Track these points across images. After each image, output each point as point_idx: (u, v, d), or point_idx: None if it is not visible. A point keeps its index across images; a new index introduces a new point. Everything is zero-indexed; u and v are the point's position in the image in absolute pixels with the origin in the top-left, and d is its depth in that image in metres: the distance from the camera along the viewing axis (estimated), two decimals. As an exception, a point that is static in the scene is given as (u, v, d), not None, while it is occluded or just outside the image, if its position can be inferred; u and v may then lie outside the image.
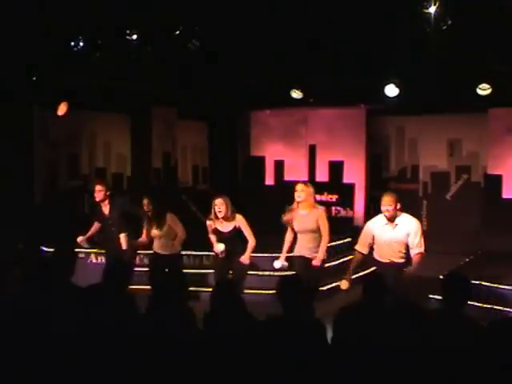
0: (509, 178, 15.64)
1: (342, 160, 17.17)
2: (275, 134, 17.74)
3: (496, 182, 15.80)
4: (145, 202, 10.72)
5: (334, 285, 12.06)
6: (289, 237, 10.09)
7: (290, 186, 17.03)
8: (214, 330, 6.05)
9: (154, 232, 10.77)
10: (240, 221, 10.29)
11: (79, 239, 11.01)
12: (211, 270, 11.19)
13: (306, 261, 9.78)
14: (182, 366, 5.44)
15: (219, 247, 10.24)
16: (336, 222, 10.88)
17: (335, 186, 17.21)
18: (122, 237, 10.80)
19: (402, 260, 9.20)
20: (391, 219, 9.18)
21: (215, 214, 10.19)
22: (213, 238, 10.39)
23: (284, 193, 16.99)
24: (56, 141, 14.24)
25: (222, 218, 10.20)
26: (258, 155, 18.00)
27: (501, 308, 10.34)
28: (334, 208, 16.95)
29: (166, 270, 9.50)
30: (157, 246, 10.93)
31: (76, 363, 5.54)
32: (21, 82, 12.36)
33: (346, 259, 13.96)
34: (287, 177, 17.61)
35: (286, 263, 10.06)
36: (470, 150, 16.74)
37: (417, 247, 9.09)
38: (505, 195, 15.70)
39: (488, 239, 14.80)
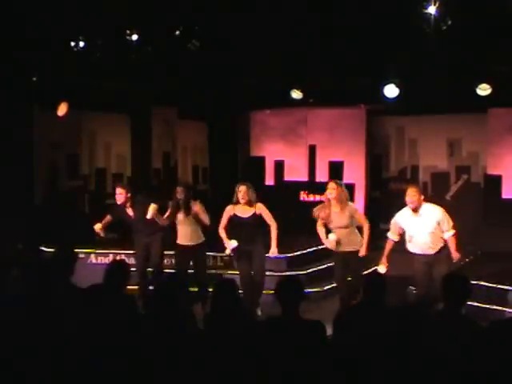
0: (509, 178, 15.63)
1: (341, 160, 17.14)
2: (275, 134, 17.72)
3: (496, 182, 15.79)
4: (178, 189, 10.76)
5: (334, 285, 12.09)
6: (321, 230, 10.49)
7: (290, 186, 17.22)
8: (215, 330, 6.05)
9: (180, 218, 10.82)
10: (260, 208, 10.49)
11: (96, 227, 10.96)
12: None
13: (345, 254, 10.26)
14: (182, 365, 5.44)
15: (232, 243, 10.41)
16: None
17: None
18: (152, 207, 10.70)
19: (435, 251, 9.75)
20: (415, 210, 9.71)
21: (237, 199, 10.42)
22: (223, 234, 10.53)
23: (284, 193, 17.10)
24: (56, 141, 14.23)
25: (245, 203, 10.40)
26: (258, 155, 17.97)
27: (501, 308, 10.33)
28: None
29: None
30: (183, 236, 10.94)
31: (76, 363, 5.55)
32: (21, 82, 12.36)
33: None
34: (287, 177, 17.60)
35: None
36: (469, 150, 16.72)
37: (449, 230, 9.72)
38: (504, 195, 15.68)
39: (488, 239, 14.78)
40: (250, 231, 10.45)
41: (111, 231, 11.57)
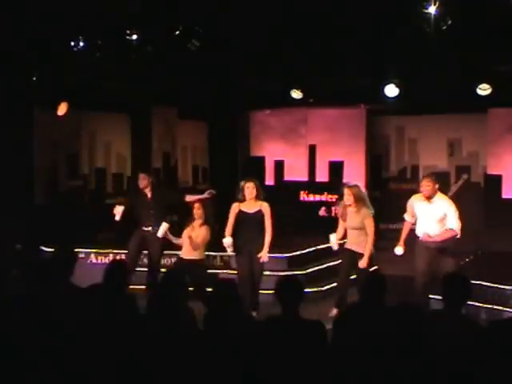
0: (509, 178, 15.63)
1: (341, 160, 17.14)
2: (275, 133, 17.71)
3: (496, 181, 15.79)
4: (196, 205, 10.71)
5: (333, 285, 12.09)
6: (340, 229, 10.76)
7: (290, 186, 17.21)
8: (214, 331, 6.05)
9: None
10: (266, 208, 10.43)
11: (117, 209, 11.15)
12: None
13: (353, 254, 10.46)
14: (182, 365, 5.44)
15: (227, 240, 10.34)
16: (336, 222, 10.88)
17: (335, 186, 17.17)
18: (164, 226, 10.89)
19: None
20: (429, 198, 10.18)
21: (243, 196, 10.39)
22: (229, 229, 10.44)
23: (284, 192, 17.08)
24: (56, 141, 14.22)
25: (251, 199, 10.37)
26: (258, 155, 17.97)
27: (501, 308, 10.33)
28: (334, 208, 16.89)
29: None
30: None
31: (76, 363, 5.55)
32: (21, 82, 12.36)
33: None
34: (287, 177, 17.59)
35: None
36: (469, 149, 16.73)
37: (450, 224, 10.14)
38: (505, 195, 15.68)
39: (488, 239, 14.77)
40: (253, 228, 10.40)
41: (109, 231, 11.57)
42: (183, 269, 10.08)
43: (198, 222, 10.58)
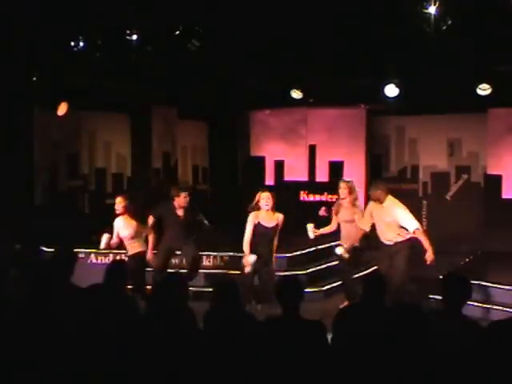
0: (509, 178, 15.63)
1: (341, 160, 17.14)
2: (275, 133, 17.72)
3: (496, 181, 15.79)
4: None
5: (334, 285, 12.11)
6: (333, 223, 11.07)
7: (290, 186, 17.20)
8: (214, 330, 6.05)
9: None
10: (281, 220, 10.20)
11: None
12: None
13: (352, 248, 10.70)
14: (182, 365, 5.44)
15: (250, 259, 9.94)
16: (336, 222, 10.96)
17: (335, 186, 17.15)
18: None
19: (392, 243, 10.17)
20: (381, 201, 10.18)
21: (258, 206, 10.08)
22: (247, 247, 10.09)
23: (284, 192, 17.09)
24: (56, 141, 14.23)
25: (268, 210, 10.08)
26: (258, 155, 17.97)
27: (501, 308, 10.33)
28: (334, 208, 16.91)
29: None
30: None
31: (77, 363, 5.55)
32: (21, 82, 12.36)
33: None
34: (287, 177, 17.59)
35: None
36: (469, 150, 16.73)
37: (410, 227, 10.00)
38: (504, 195, 15.68)
39: (488, 239, 14.79)
40: (268, 243, 10.16)
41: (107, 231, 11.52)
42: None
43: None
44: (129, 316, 6.44)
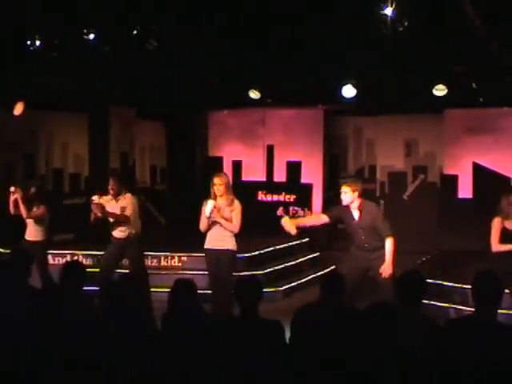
0: (464, 178, 15.81)
1: (299, 160, 17.20)
2: (233, 134, 17.73)
3: (452, 181, 15.97)
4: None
5: (292, 284, 12.16)
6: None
7: (248, 186, 17.22)
8: (172, 331, 6.04)
9: None
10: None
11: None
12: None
13: None
14: (139, 366, 5.42)
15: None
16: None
17: (293, 187, 17.23)
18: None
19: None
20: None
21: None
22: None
23: (242, 192, 17.07)
24: (13, 141, 14.11)
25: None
26: (216, 155, 17.97)
27: (457, 306, 10.42)
28: (291, 208, 16.97)
29: None
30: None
31: (32, 363, 5.51)
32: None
33: (303, 259, 14.05)
34: (245, 177, 17.61)
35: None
36: (426, 150, 16.89)
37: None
38: (460, 195, 15.87)
39: (444, 238, 14.93)
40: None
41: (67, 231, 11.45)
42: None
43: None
44: (85, 316, 6.40)
